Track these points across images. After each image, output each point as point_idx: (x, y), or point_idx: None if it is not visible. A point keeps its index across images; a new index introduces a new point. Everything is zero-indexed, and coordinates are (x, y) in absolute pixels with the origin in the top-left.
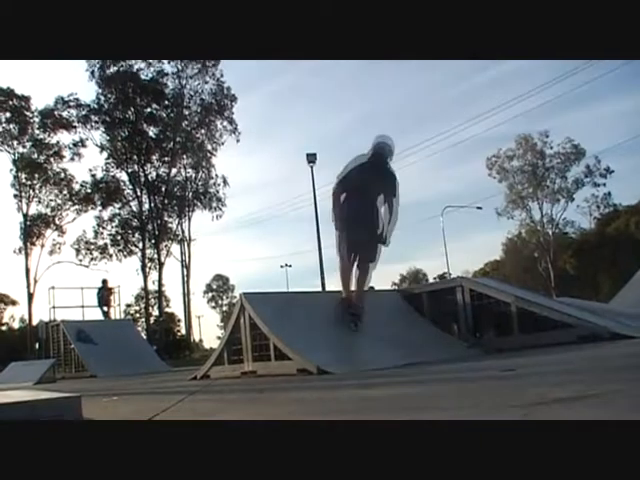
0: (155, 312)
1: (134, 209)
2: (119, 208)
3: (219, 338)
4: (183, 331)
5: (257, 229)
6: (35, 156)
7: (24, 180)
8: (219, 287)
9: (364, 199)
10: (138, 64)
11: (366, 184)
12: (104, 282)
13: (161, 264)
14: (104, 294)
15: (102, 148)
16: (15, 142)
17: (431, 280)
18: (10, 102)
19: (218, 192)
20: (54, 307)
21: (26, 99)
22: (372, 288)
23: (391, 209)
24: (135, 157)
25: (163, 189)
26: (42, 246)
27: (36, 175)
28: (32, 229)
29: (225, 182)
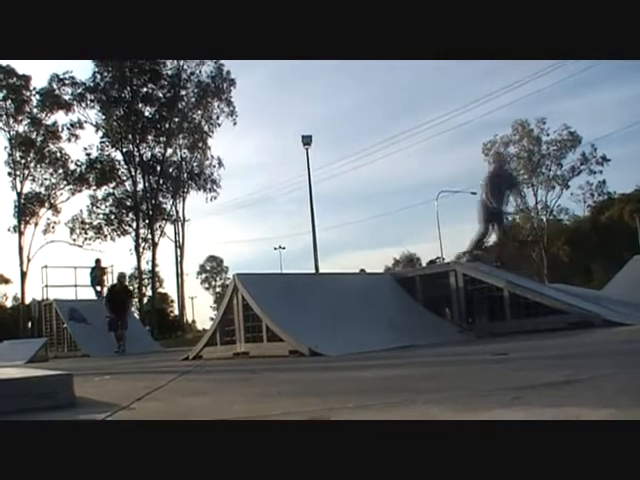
0: (148, 292)
1: (128, 189)
2: (113, 188)
3: (212, 319)
4: (176, 312)
5: (252, 211)
6: (32, 135)
7: (19, 158)
8: (213, 268)
9: None
10: None
11: None
12: (97, 262)
13: (155, 244)
14: (97, 274)
15: (97, 127)
16: (11, 120)
17: (424, 265)
18: (10, 80)
19: (213, 174)
20: (47, 286)
21: (26, 78)
22: (363, 271)
23: None
24: (130, 137)
25: (158, 169)
26: (36, 225)
27: (31, 154)
28: (26, 207)
29: (220, 163)
